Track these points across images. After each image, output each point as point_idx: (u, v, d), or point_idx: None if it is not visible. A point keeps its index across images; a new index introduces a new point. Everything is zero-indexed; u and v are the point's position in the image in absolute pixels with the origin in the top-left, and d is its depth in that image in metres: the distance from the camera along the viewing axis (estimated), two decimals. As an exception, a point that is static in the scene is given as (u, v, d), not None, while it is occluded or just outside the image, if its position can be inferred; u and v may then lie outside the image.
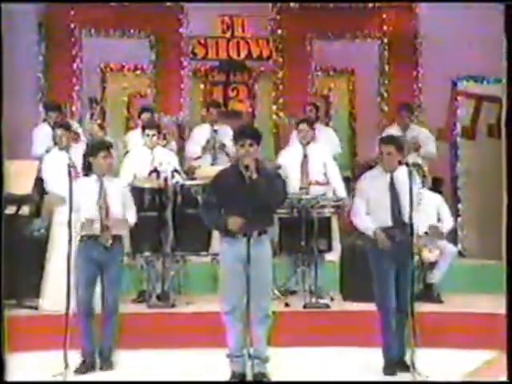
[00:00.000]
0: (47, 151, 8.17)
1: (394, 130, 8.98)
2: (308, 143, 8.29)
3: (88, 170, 6.31)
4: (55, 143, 7.82)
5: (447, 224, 7.99)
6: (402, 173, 6.08)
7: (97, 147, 6.39)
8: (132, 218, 6.39)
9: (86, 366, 6.14)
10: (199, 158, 9.49)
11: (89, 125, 8.99)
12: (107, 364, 6.23)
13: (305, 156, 8.24)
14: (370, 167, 6.94)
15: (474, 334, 6.93)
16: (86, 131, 8.85)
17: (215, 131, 9.47)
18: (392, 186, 6.12)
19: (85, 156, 6.39)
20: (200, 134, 9.62)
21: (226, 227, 5.62)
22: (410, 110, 9.46)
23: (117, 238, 6.23)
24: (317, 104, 9.88)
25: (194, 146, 9.60)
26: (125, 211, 6.32)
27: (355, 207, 6.35)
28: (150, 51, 10.55)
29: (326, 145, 8.83)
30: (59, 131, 7.70)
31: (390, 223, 6.11)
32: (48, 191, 7.67)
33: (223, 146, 9.34)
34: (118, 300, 6.29)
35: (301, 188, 8.00)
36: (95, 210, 6.16)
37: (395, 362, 6.13)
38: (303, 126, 8.34)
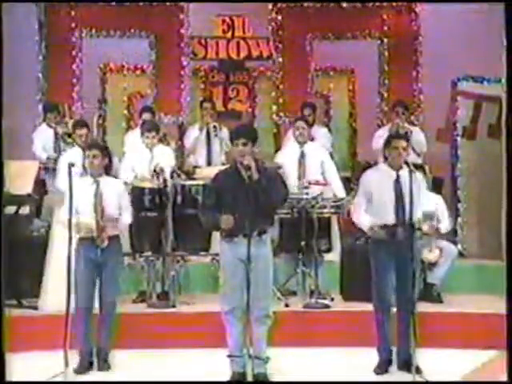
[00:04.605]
0: (64, 150, 8.28)
1: (383, 132, 8.91)
2: (305, 142, 8.28)
3: (85, 170, 6.32)
4: (65, 143, 7.89)
5: (445, 226, 7.98)
6: (406, 172, 6.08)
7: (85, 147, 6.41)
8: (127, 218, 6.38)
9: (84, 366, 6.15)
10: (191, 155, 9.57)
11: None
12: (104, 365, 6.23)
13: (302, 155, 8.22)
14: (370, 167, 6.94)
15: (474, 333, 6.93)
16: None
17: (205, 128, 9.50)
18: (397, 185, 6.12)
19: (84, 156, 6.42)
20: (191, 132, 9.70)
21: (220, 226, 5.64)
22: (404, 107, 9.40)
23: (113, 239, 6.21)
24: (314, 104, 9.85)
25: (187, 145, 9.70)
26: (121, 212, 6.29)
27: (355, 203, 6.38)
28: (150, 51, 10.55)
29: (321, 144, 8.84)
30: (83, 130, 7.79)
31: (392, 221, 6.11)
32: (50, 191, 7.67)
33: (207, 142, 9.42)
34: (115, 301, 6.28)
35: (299, 188, 7.97)
36: (91, 211, 6.14)
37: (387, 361, 6.17)
38: (300, 124, 8.34)
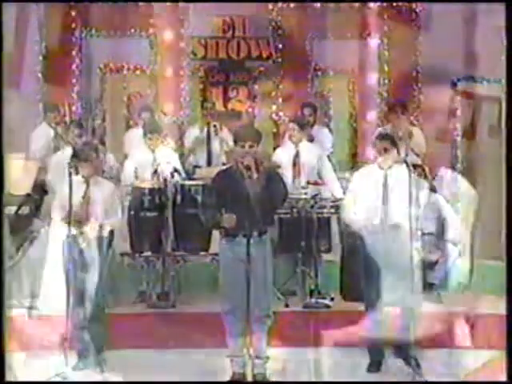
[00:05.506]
0: (55, 150, 8.27)
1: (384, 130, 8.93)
2: (299, 142, 8.26)
3: (76, 171, 6.31)
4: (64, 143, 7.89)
5: (453, 227, 7.97)
6: (398, 171, 6.07)
7: (78, 150, 6.42)
8: (113, 223, 6.29)
9: (79, 366, 6.16)
10: (191, 155, 9.58)
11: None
12: (96, 367, 6.19)
13: (297, 155, 8.21)
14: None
15: (474, 334, 6.93)
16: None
17: (205, 128, 9.51)
18: (385, 184, 6.13)
19: (71, 157, 6.43)
20: (191, 132, 9.70)
21: (222, 225, 5.64)
22: (404, 107, 9.39)
23: (96, 240, 6.16)
24: (314, 104, 9.85)
25: (187, 145, 9.71)
26: (108, 215, 6.22)
27: (344, 202, 6.42)
28: (150, 51, 10.57)
29: (318, 144, 8.84)
30: (77, 131, 7.77)
31: (376, 221, 6.11)
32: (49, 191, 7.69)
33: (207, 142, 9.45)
34: (104, 303, 6.25)
35: (296, 188, 7.95)
36: (77, 211, 6.08)
37: (377, 360, 6.20)
38: (292, 126, 8.34)
